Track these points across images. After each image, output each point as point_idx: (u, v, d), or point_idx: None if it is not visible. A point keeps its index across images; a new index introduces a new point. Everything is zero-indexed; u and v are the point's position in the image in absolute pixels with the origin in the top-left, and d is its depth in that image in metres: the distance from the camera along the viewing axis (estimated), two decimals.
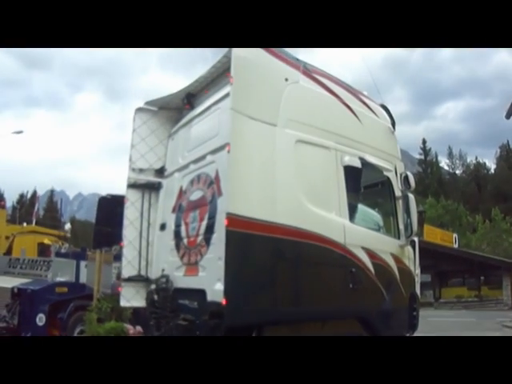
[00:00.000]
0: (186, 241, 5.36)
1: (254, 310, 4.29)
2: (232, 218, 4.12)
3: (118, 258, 7.21)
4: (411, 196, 5.93)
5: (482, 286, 37.76)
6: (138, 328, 7.51)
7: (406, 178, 5.97)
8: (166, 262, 5.69)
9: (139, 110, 6.24)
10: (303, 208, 4.68)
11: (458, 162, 77.28)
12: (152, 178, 6.19)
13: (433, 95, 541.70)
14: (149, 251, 6.02)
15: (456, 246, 37.42)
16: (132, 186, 6.10)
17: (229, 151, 4.29)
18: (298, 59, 5.16)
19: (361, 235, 5.24)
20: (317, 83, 5.25)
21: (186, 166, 5.68)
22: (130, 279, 5.91)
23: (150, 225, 6.09)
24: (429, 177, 69.50)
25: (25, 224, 25.87)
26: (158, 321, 5.41)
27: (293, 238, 4.51)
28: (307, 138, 4.93)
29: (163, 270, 5.67)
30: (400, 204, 5.93)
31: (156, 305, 5.55)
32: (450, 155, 77.45)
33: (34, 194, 67.01)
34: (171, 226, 5.73)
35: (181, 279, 5.32)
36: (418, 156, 75.23)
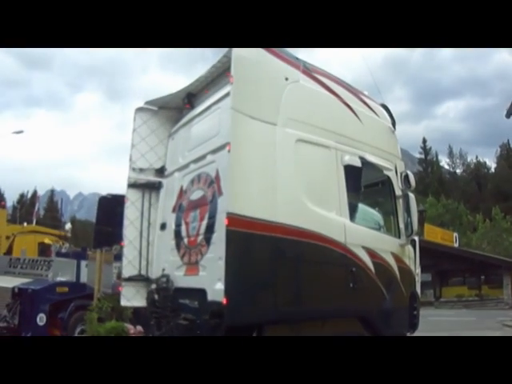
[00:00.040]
0: (186, 240, 5.36)
1: (254, 309, 4.29)
2: (232, 218, 4.12)
3: (118, 257, 7.22)
4: (411, 195, 5.92)
5: (482, 285, 37.82)
6: (139, 327, 7.52)
7: (407, 177, 5.96)
8: (166, 262, 5.69)
9: (139, 109, 6.24)
10: (303, 207, 4.68)
11: (458, 161, 77.51)
12: (152, 178, 6.19)
13: (433, 94, 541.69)
14: (149, 251, 6.02)
15: (456, 245, 37.41)
16: (132, 185, 6.10)
17: (229, 151, 4.29)
18: (298, 58, 5.15)
19: (361, 234, 5.24)
20: (317, 82, 5.24)
21: (186, 166, 5.68)
22: (130, 279, 5.91)
23: (150, 224, 6.09)
24: (429, 176, 69.53)
25: (25, 224, 25.80)
26: (159, 320, 5.41)
27: (293, 237, 4.50)
28: (307, 137, 4.92)
29: (164, 270, 5.67)
30: (400, 203, 5.93)
31: (156, 304, 5.55)
32: (451, 154, 77.65)
33: (35, 193, 66.95)
34: (171, 226, 5.73)
35: (181, 279, 5.33)
36: (418, 155, 75.34)
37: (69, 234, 22.85)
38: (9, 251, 17.22)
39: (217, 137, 5.00)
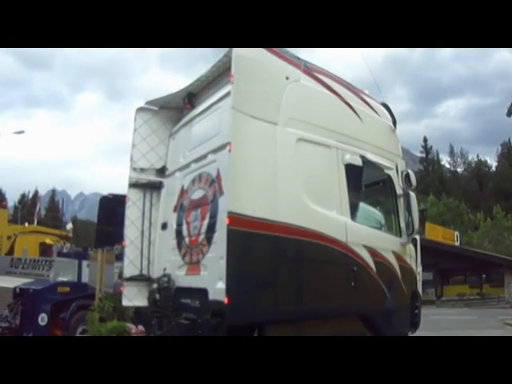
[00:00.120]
0: (187, 240, 5.36)
1: (255, 308, 4.29)
2: (233, 217, 4.12)
3: (119, 257, 7.22)
4: (412, 194, 5.92)
5: (483, 283, 37.76)
6: (140, 327, 7.52)
7: (407, 175, 5.96)
8: (167, 261, 5.70)
9: (140, 109, 6.24)
10: (304, 206, 4.68)
11: (459, 159, 77.46)
12: (153, 178, 6.20)
13: (434, 93, 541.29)
14: (150, 250, 6.03)
15: (457, 243, 37.35)
16: (133, 185, 6.11)
17: (230, 150, 4.29)
18: (298, 58, 5.15)
19: (362, 233, 5.24)
20: (318, 82, 5.24)
21: (187, 166, 5.69)
22: (131, 278, 5.92)
23: (151, 224, 6.10)
24: (430, 175, 69.47)
25: (26, 224, 25.85)
26: (160, 320, 5.42)
27: (294, 236, 4.50)
28: (308, 136, 4.92)
29: (165, 269, 5.67)
30: (401, 202, 5.92)
31: (158, 304, 5.56)
32: (452, 153, 77.65)
33: (36, 193, 67.13)
34: (173, 226, 5.74)
35: (182, 278, 5.33)
36: (419, 154, 75.27)
37: (70, 234, 22.89)
38: (10, 251, 17.25)
39: (217, 136, 5.00)
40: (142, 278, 5.94)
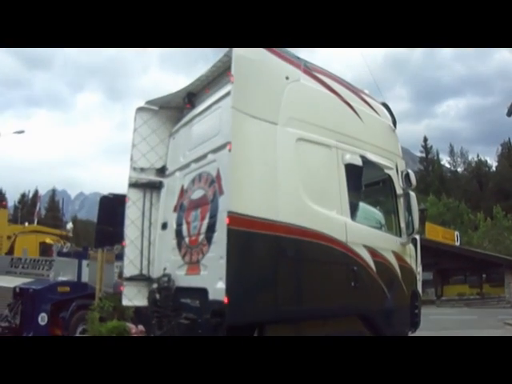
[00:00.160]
0: (187, 240, 5.36)
1: (255, 308, 4.28)
2: (233, 217, 4.12)
3: (119, 257, 7.23)
4: (412, 194, 5.93)
5: (483, 283, 37.72)
6: (140, 327, 7.52)
7: (407, 175, 5.97)
8: (167, 261, 5.70)
9: (140, 109, 6.24)
10: (304, 206, 4.68)
11: (459, 159, 77.39)
12: (153, 177, 6.20)
13: (434, 93, 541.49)
14: (150, 250, 6.03)
15: (458, 243, 37.32)
16: (133, 185, 6.11)
17: (230, 150, 4.28)
18: (298, 58, 5.15)
19: (362, 233, 5.25)
20: (318, 81, 5.24)
21: (187, 165, 5.69)
22: (131, 278, 5.92)
23: (151, 224, 6.10)
24: (430, 175, 69.45)
25: (26, 224, 25.88)
26: (160, 320, 5.42)
27: (294, 236, 4.50)
28: (308, 136, 4.92)
29: (165, 269, 5.67)
30: (401, 202, 5.93)
31: (158, 304, 5.55)
32: (452, 153, 77.58)
33: (36, 193, 67.14)
34: (173, 225, 5.74)
35: (182, 278, 5.33)
36: (419, 154, 75.23)
37: (70, 234, 22.90)
38: (10, 251, 17.27)
39: (217, 136, 5.00)
40: (142, 278, 5.94)
